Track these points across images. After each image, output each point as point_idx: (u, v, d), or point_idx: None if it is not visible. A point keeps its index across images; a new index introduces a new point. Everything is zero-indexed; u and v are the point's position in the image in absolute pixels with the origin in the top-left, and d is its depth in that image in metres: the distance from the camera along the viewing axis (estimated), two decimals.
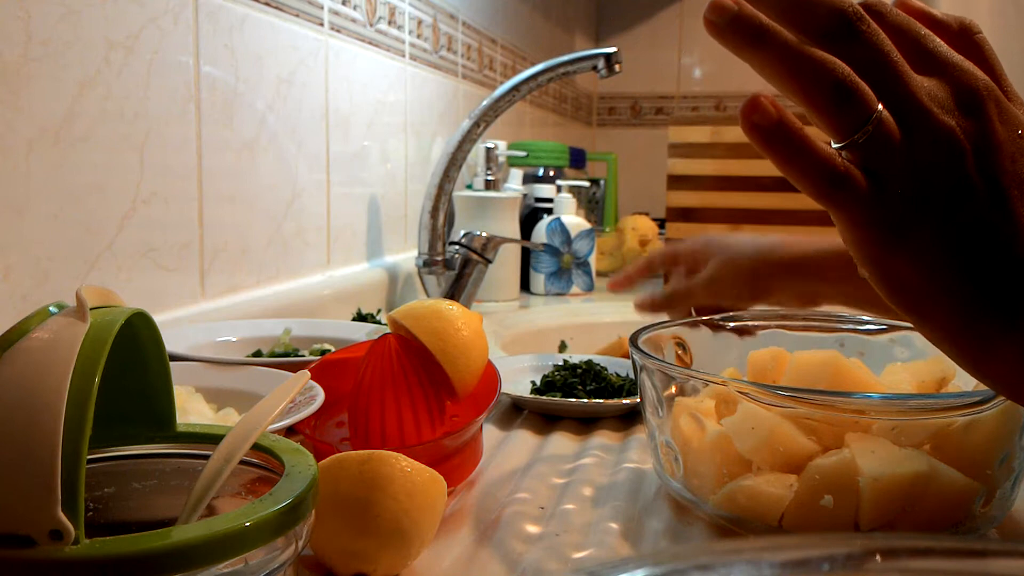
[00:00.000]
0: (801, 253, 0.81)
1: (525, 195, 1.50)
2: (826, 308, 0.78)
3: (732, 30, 0.36)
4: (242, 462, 0.36)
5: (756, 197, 1.39)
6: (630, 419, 0.72)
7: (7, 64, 0.61)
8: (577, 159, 1.85)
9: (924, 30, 0.39)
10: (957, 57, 0.38)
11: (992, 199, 0.36)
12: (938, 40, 0.39)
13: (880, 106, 0.36)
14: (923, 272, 0.37)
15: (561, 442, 0.66)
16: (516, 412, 0.74)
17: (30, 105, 0.63)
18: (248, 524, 0.30)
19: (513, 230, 1.36)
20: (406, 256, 1.29)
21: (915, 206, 0.36)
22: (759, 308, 0.80)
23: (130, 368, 0.38)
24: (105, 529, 0.32)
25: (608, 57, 1.10)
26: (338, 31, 1.08)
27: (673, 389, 0.53)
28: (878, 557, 0.20)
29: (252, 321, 0.83)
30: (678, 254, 0.88)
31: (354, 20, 1.12)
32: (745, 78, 3.03)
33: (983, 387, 0.46)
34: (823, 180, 0.36)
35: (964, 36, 0.40)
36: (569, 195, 1.50)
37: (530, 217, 1.51)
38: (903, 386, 0.56)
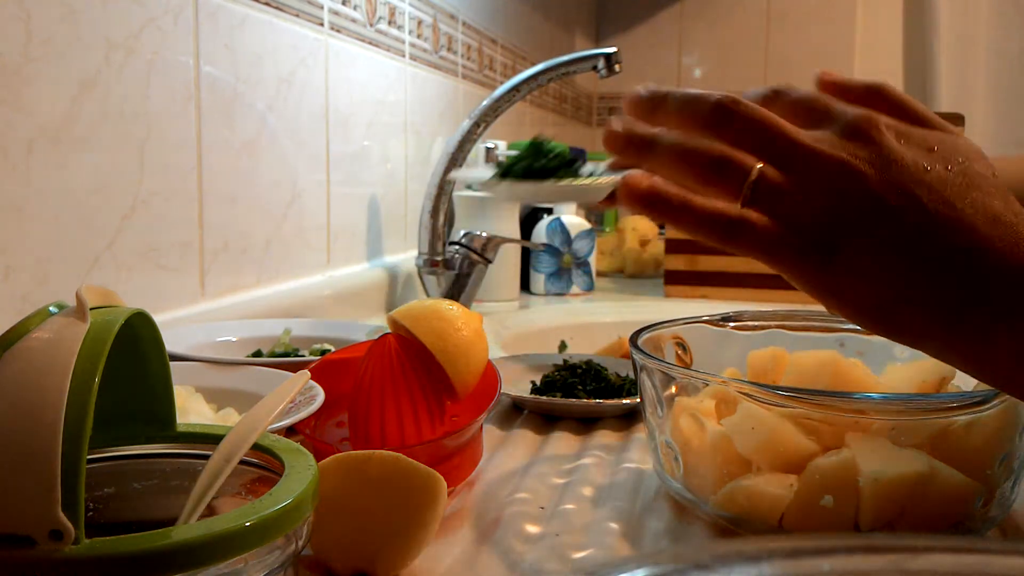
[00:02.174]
0: None
1: None
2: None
3: (627, 149, 0.44)
4: (242, 462, 0.36)
5: None
6: (630, 419, 0.72)
7: (7, 64, 0.61)
8: None
9: (816, 95, 0.44)
10: (841, 105, 0.43)
11: (913, 206, 0.39)
12: (827, 97, 0.44)
13: (759, 163, 0.41)
14: (870, 284, 0.40)
15: (561, 442, 0.66)
16: (516, 412, 0.74)
17: (30, 105, 0.63)
18: (248, 524, 0.30)
19: (513, 230, 1.36)
20: (406, 256, 1.29)
21: (831, 228, 0.40)
22: (759, 308, 0.80)
23: (130, 368, 0.38)
24: (105, 529, 0.31)
25: (608, 57, 1.10)
26: (338, 31, 1.08)
27: (673, 389, 0.53)
28: (878, 557, 0.20)
29: (252, 321, 0.83)
30: None
31: (354, 20, 1.12)
32: (745, 78, 3.03)
33: (983, 387, 0.46)
34: (717, 230, 0.41)
35: (871, 95, 0.44)
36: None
37: (530, 217, 1.51)
38: (903, 386, 0.56)
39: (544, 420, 0.72)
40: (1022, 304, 0.37)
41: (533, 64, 1.22)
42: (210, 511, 0.33)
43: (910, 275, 0.39)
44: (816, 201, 0.40)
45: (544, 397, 0.73)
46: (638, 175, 0.43)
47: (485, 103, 1.14)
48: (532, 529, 0.50)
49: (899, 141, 0.41)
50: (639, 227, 1.74)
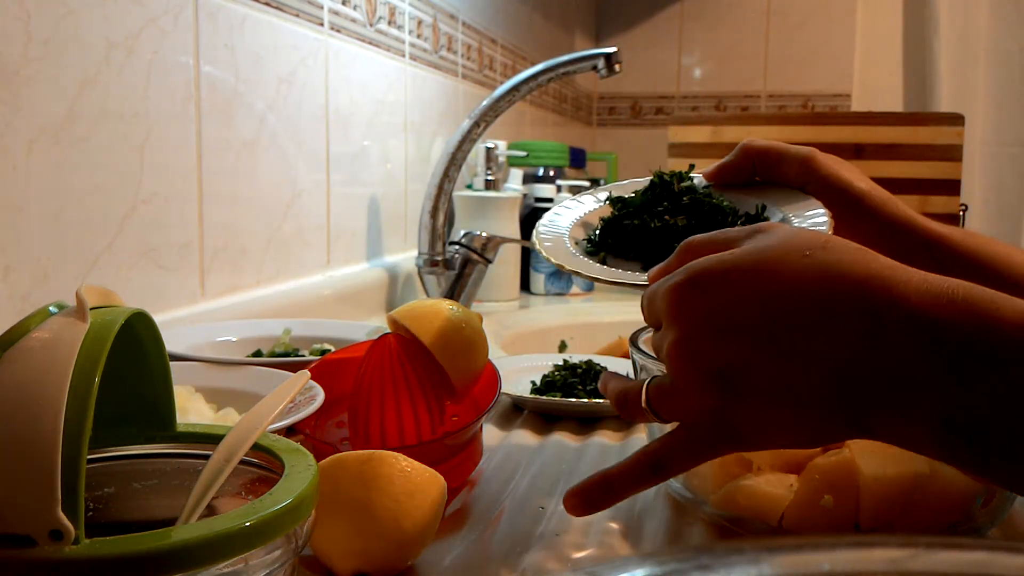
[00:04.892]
0: None
1: (525, 195, 1.50)
2: None
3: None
4: (242, 462, 0.36)
5: None
6: None
7: (7, 64, 0.61)
8: (577, 159, 1.85)
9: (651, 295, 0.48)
10: (659, 294, 0.44)
11: (763, 362, 0.39)
12: (650, 291, 0.48)
13: (644, 391, 0.44)
14: (783, 437, 0.41)
15: (561, 442, 0.66)
16: (516, 412, 0.74)
17: (30, 105, 0.63)
18: (248, 524, 0.30)
19: (513, 230, 1.36)
20: (406, 256, 1.29)
21: (721, 417, 0.41)
22: None
23: (130, 368, 0.38)
24: (105, 529, 0.32)
25: (608, 57, 1.10)
26: (338, 31, 1.08)
27: None
28: (878, 556, 0.20)
29: (252, 321, 0.82)
30: None
31: (354, 20, 1.12)
32: (745, 78, 3.02)
33: None
34: (646, 480, 0.44)
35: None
36: (569, 195, 1.50)
37: (530, 217, 1.51)
38: None
39: (544, 420, 0.72)
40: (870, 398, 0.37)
41: (533, 64, 1.22)
42: (210, 511, 0.33)
43: (800, 417, 0.39)
44: (691, 398, 0.41)
45: (544, 397, 0.73)
46: (573, 494, 0.45)
47: (485, 103, 1.14)
48: (532, 529, 0.50)
49: (712, 296, 0.41)
50: None
